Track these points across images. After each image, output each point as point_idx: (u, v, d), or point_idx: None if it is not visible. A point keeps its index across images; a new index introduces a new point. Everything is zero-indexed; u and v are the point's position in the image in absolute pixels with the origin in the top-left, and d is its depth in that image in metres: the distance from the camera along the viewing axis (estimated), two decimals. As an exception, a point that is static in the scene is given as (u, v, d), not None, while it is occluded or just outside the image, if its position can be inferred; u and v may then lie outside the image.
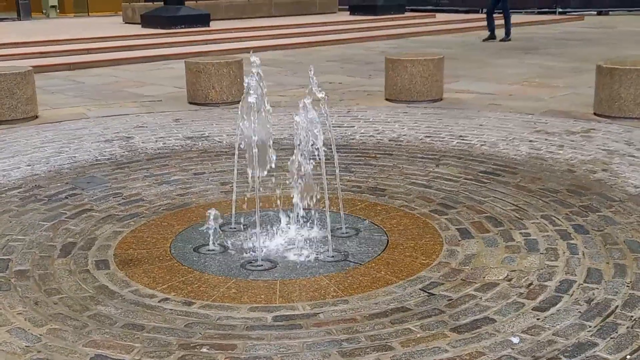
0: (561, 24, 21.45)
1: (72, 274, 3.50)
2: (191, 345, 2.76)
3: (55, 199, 4.68)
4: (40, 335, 2.87)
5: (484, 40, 15.06)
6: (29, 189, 4.95)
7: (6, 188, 4.97)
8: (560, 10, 24.83)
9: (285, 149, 5.38)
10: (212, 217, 3.71)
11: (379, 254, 3.63)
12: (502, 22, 15.28)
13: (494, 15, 15.27)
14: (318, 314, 3.01)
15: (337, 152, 4.08)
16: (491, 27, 15.16)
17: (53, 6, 26.71)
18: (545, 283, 3.24)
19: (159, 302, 3.16)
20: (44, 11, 26.64)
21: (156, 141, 6.36)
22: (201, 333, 2.86)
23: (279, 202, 4.00)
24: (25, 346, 2.78)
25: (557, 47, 14.53)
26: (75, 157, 5.85)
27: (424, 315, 2.97)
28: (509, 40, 14.95)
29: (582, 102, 7.68)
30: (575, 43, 15.31)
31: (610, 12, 25.35)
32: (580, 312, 2.95)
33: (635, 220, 4.03)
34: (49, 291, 3.30)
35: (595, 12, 25.21)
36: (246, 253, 3.67)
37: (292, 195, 3.83)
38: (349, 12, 22.74)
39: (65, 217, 4.33)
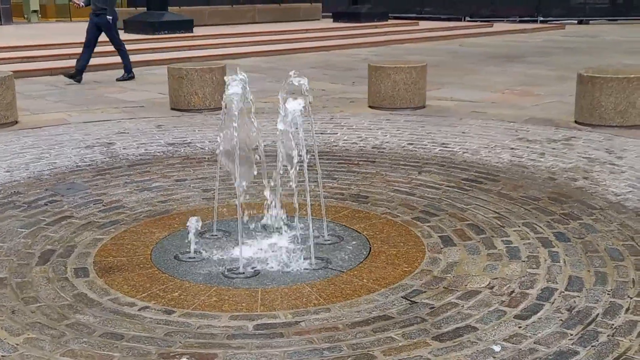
0: (543, 33, 21.65)
1: (51, 281, 3.45)
2: (171, 354, 2.73)
3: (35, 206, 4.63)
4: (17, 344, 2.82)
5: (67, 76, 10.79)
6: (8, 195, 4.88)
7: (-16, 194, 4.91)
8: (542, 19, 25.09)
9: (270, 155, 5.37)
10: (192, 226, 3.69)
11: (362, 262, 3.62)
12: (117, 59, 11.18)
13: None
14: (299, 322, 2.98)
15: (320, 158, 4.06)
16: (80, 64, 10.73)
17: (35, 11, 26.50)
18: (527, 291, 3.24)
19: (138, 310, 3.13)
20: (25, 16, 26.41)
21: (138, 147, 6.31)
22: (181, 342, 2.83)
23: (262, 208, 3.98)
24: (2, 356, 2.73)
25: (540, 55, 14.65)
26: (55, 163, 5.79)
27: (406, 323, 2.95)
28: (131, 78, 11.04)
29: (563, 111, 7.73)
30: (557, 51, 15.45)
31: (590, 22, 25.64)
32: (561, 320, 2.95)
33: (615, 228, 4.05)
34: (27, 299, 3.25)
35: (576, 21, 25.50)
36: (227, 260, 3.64)
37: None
38: (332, 20, 22.81)
39: (45, 224, 4.27)
